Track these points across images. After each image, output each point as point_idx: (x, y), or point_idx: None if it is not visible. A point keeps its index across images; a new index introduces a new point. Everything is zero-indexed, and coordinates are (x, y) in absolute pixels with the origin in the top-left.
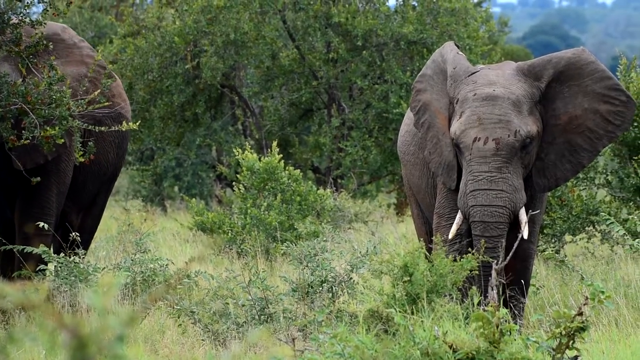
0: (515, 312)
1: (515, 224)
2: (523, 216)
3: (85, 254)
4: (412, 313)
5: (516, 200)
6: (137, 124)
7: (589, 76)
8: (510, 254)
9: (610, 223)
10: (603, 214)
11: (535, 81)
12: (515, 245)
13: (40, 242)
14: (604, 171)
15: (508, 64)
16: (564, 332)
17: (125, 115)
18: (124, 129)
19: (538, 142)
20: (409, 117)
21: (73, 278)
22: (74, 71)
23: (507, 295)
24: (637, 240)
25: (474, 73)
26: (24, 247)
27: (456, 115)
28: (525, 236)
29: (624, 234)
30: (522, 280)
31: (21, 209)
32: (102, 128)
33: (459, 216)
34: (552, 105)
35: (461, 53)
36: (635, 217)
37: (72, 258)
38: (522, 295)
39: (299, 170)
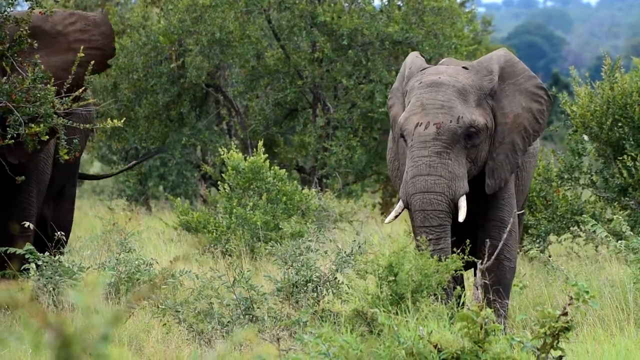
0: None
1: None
2: (462, 202)
3: (63, 247)
4: (397, 313)
5: (455, 188)
6: (122, 121)
7: (521, 74)
8: (493, 257)
9: (592, 225)
10: (585, 216)
11: (487, 75)
12: (498, 250)
13: (24, 242)
14: (589, 171)
15: (463, 62)
16: (548, 332)
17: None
18: (109, 126)
19: (487, 137)
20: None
21: (58, 277)
22: (60, 60)
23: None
24: (619, 241)
25: (426, 68)
26: (8, 247)
27: (405, 107)
28: (461, 220)
29: (606, 235)
30: (500, 284)
31: (2, 209)
32: (87, 126)
33: (399, 204)
34: (500, 104)
35: (421, 57)
36: (620, 217)
37: (57, 257)
38: (500, 297)
39: (284, 169)
